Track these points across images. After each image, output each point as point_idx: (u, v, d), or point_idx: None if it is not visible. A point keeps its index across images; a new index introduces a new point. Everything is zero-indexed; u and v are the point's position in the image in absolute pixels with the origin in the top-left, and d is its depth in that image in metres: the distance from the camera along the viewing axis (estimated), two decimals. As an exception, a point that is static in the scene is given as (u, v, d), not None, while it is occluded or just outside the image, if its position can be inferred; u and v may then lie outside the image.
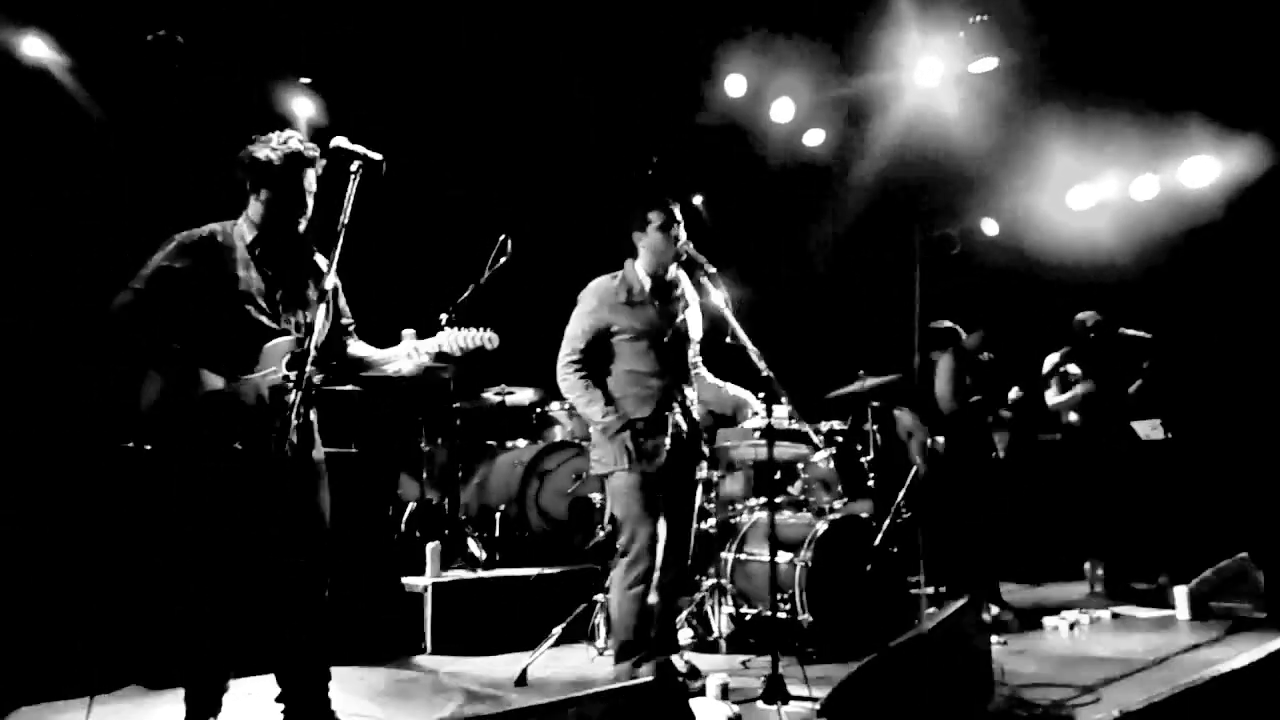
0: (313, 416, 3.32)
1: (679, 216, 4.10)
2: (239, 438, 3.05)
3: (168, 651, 3.39)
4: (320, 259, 3.42)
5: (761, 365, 3.86)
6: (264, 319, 3.20)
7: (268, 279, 3.25)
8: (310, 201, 3.27)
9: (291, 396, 2.60)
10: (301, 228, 3.30)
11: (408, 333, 3.50)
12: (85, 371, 5.39)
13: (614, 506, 4.11)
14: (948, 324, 6.48)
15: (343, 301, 3.53)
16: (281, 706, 3.23)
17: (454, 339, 3.43)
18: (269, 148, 3.22)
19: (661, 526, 3.99)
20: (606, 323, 4.06)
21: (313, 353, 2.68)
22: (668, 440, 4.02)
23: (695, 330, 4.30)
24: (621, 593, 3.95)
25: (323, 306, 2.81)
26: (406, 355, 3.43)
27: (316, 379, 3.25)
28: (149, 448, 3.24)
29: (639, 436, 3.98)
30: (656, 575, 4.01)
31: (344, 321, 3.52)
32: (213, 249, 3.21)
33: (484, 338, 3.50)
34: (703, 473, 4.27)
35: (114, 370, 3.27)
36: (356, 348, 3.53)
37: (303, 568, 3.20)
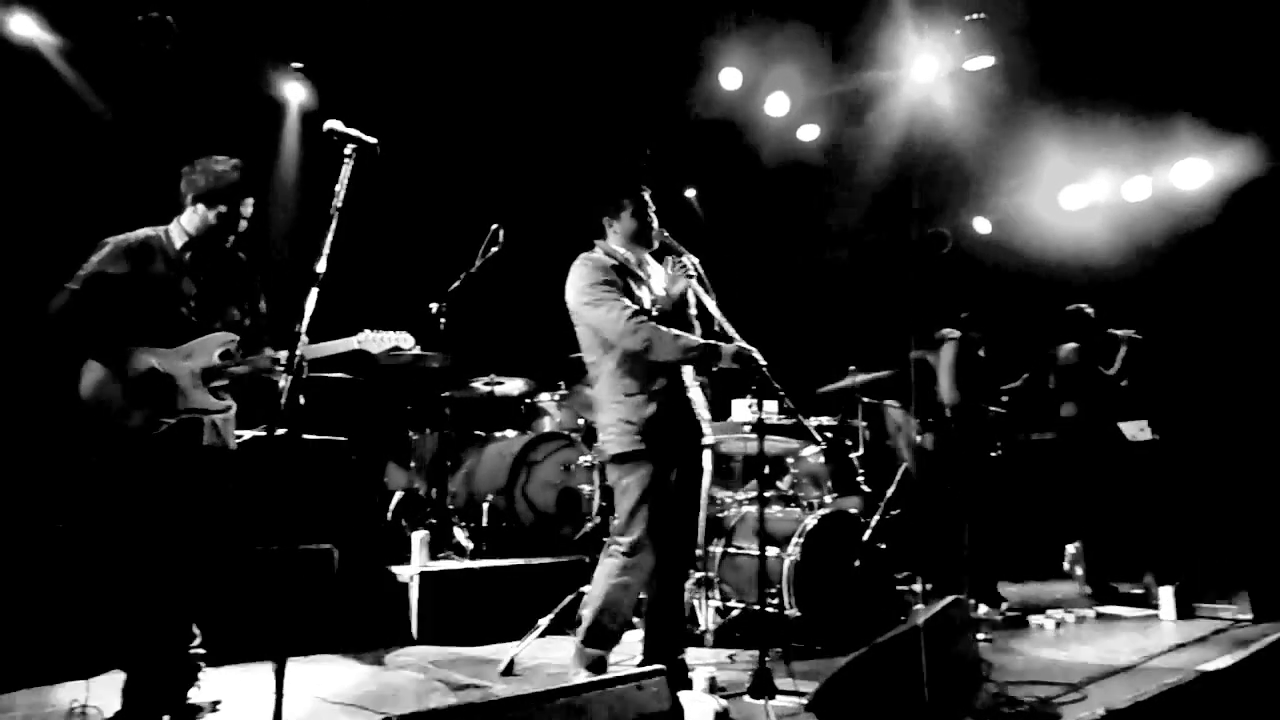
0: (231, 412, 3.54)
1: (652, 202, 3.95)
2: (169, 416, 3.32)
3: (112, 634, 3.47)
4: (248, 266, 3.70)
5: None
6: (193, 317, 3.47)
7: (199, 282, 3.52)
8: (244, 225, 3.56)
9: (282, 382, 2.59)
10: (229, 244, 3.59)
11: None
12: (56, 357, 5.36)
13: (623, 496, 3.79)
14: (955, 332, 6.48)
15: (263, 303, 3.76)
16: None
17: (370, 340, 3.68)
18: (213, 170, 3.48)
19: (668, 525, 3.80)
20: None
21: (304, 338, 2.65)
22: (687, 419, 3.87)
23: (671, 297, 3.98)
24: (609, 582, 3.74)
25: (314, 290, 2.77)
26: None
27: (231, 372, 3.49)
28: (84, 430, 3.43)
29: (661, 414, 3.76)
30: (664, 572, 3.89)
31: (261, 312, 3.75)
32: (146, 253, 3.45)
33: (399, 338, 3.76)
34: (708, 463, 4.01)
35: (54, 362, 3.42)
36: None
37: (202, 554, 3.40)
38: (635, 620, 4.74)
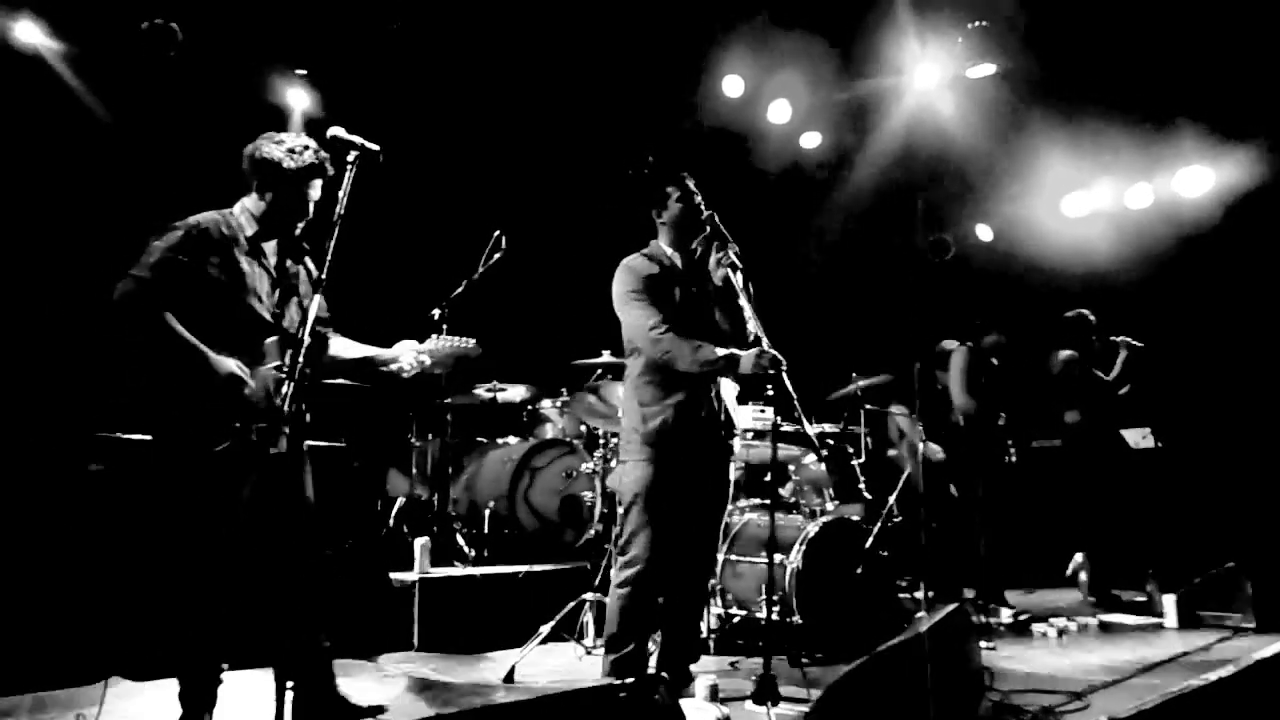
0: (303, 407, 3.31)
1: (695, 187, 3.96)
2: (245, 424, 3.09)
3: (163, 643, 3.37)
4: (310, 264, 3.46)
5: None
6: (264, 313, 3.24)
7: (269, 273, 3.28)
8: (311, 208, 3.32)
9: (285, 387, 2.57)
10: (298, 231, 3.35)
11: (408, 343, 3.54)
12: (61, 361, 5.38)
13: (623, 504, 3.85)
14: (955, 344, 6.48)
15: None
16: (290, 696, 3.22)
17: (439, 346, 3.54)
18: (283, 150, 3.24)
19: (669, 529, 3.80)
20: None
21: (306, 340, 2.63)
22: (701, 432, 3.86)
23: (719, 312, 4.01)
24: (614, 591, 3.81)
25: (318, 297, 2.77)
26: (394, 358, 3.47)
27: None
28: (149, 436, 3.24)
29: (670, 427, 3.77)
30: (678, 584, 3.92)
31: (323, 315, 3.48)
32: (217, 240, 3.19)
33: (466, 345, 3.62)
34: (734, 469, 4.06)
35: (96, 360, 3.29)
36: (336, 343, 3.55)
37: (297, 557, 3.23)
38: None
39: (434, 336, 3.58)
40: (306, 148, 3.26)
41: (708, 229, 3.94)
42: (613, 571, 3.88)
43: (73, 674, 3.96)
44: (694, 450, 3.86)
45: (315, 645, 3.35)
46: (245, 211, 3.29)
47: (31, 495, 4.63)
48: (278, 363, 3.15)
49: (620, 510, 3.86)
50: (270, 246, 3.31)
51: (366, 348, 3.58)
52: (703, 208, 3.94)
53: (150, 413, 3.12)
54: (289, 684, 3.19)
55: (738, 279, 3.82)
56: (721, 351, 3.76)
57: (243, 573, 3.15)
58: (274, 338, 3.22)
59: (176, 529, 3.20)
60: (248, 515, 3.07)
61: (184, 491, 3.13)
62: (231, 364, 3.08)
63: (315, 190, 3.30)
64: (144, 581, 4.32)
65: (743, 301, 3.77)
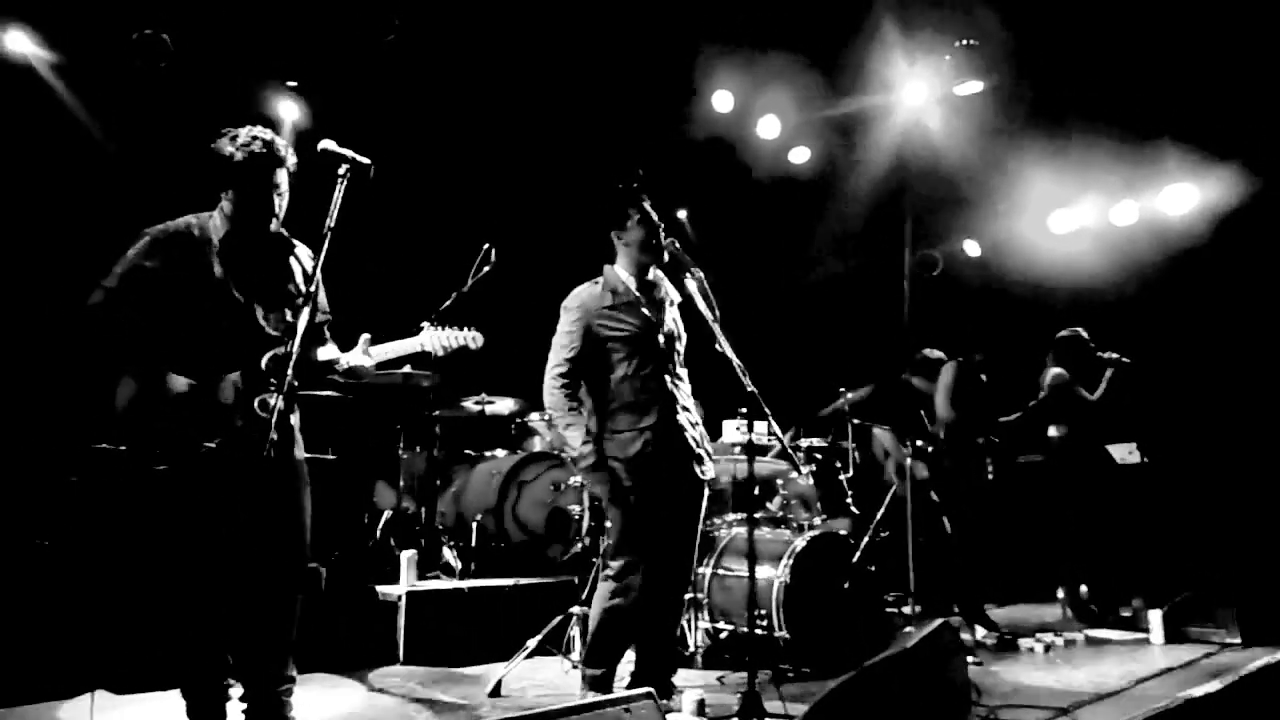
0: (294, 419, 3.26)
1: (657, 215, 4.00)
2: (209, 438, 2.99)
3: (163, 657, 3.31)
4: (304, 255, 3.32)
5: (746, 380, 3.83)
6: (235, 320, 3.10)
7: (244, 278, 3.14)
8: (279, 202, 3.16)
9: (273, 400, 2.54)
10: (273, 227, 3.19)
11: (365, 337, 3.38)
12: (52, 371, 5.35)
13: (611, 524, 3.88)
14: (939, 354, 6.50)
15: (322, 298, 3.40)
16: (244, 709, 3.16)
17: (436, 339, 3.43)
18: (235, 145, 3.10)
19: (655, 545, 3.84)
20: (595, 331, 3.88)
21: (295, 353, 2.62)
22: (673, 446, 3.90)
23: (680, 329, 4.12)
24: (601, 605, 3.82)
25: (306, 309, 2.75)
26: (364, 354, 3.33)
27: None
28: (123, 448, 3.14)
29: (647, 456, 3.82)
30: (655, 599, 3.91)
31: (319, 319, 3.38)
32: (186, 244, 3.09)
33: (467, 337, 3.52)
34: (709, 476, 4.05)
35: (87, 369, 3.20)
36: (328, 349, 3.42)
37: (275, 571, 3.12)
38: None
39: (427, 326, 3.45)
40: (256, 139, 3.11)
41: (666, 256, 4.00)
42: (601, 585, 3.87)
43: (55, 687, 3.93)
44: (671, 473, 3.90)
45: (279, 673, 3.18)
46: (220, 214, 3.18)
47: (13, 506, 4.62)
48: (237, 375, 3.05)
49: (612, 533, 3.86)
50: (247, 250, 3.16)
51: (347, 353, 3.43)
52: (660, 235, 3.98)
53: (122, 424, 3.04)
54: (244, 706, 3.14)
55: (702, 303, 3.90)
56: (580, 447, 3.81)
57: (226, 584, 3.06)
58: (261, 347, 3.12)
59: (151, 543, 3.15)
60: (229, 530, 2.97)
61: (154, 503, 3.08)
62: (179, 384, 3.01)
63: (279, 180, 3.13)
64: (125, 593, 4.30)
65: (712, 325, 3.84)
